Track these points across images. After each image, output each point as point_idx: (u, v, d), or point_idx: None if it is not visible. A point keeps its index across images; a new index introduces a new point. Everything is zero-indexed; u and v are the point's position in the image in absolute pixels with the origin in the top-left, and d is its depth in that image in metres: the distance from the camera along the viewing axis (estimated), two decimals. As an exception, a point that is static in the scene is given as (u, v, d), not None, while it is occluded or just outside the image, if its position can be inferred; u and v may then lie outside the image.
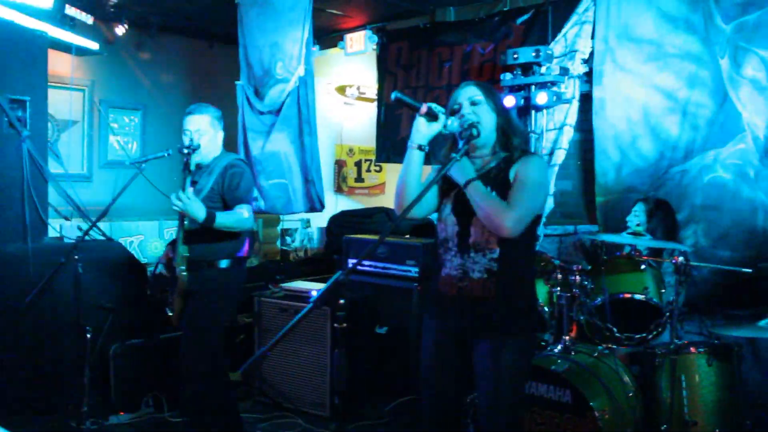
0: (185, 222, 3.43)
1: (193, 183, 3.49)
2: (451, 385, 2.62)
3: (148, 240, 6.48)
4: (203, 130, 3.55)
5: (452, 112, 2.49)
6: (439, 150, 2.57)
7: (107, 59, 6.22)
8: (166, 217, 6.54)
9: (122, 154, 6.26)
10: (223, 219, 3.39)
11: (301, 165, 5.39)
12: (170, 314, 3.60)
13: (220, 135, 3.65)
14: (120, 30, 6.03)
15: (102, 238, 4.89)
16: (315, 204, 5.35)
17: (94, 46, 5.23)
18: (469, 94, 2.51)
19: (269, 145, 5.47)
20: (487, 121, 2.48)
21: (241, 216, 3.45)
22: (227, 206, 3.50)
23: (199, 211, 3.27)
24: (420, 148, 2.43)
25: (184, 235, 3.43)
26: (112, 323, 4.22)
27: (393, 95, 2.37)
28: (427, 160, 2.49)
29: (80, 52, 5.38)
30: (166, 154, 3.73)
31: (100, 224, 5.03)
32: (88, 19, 5.17)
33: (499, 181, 2.45)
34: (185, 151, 3.39)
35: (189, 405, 3.67)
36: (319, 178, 5.37)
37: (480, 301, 2.43)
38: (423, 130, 2.41)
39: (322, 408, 4.27)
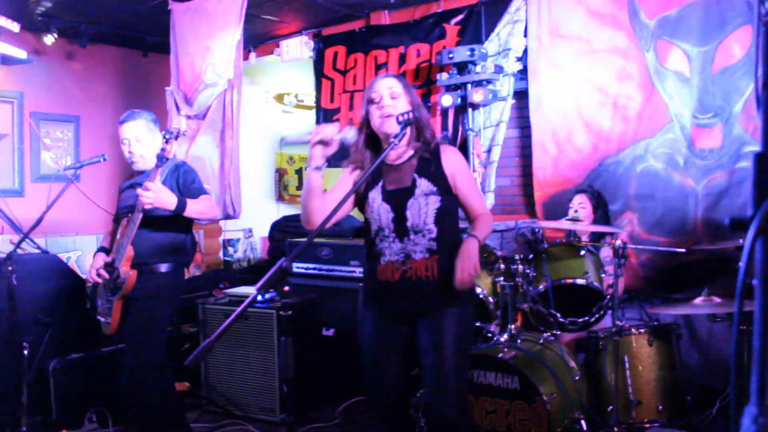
0: (138, 219, 3.34)
1: (135, 185, 3.43)
2: (395, 371, 2.71)
3: (85, 255, 6.30)
4: (141, 135, 3.49)
5: (370, 101, 2.67)
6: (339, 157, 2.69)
7: (37, 70, 6.04)
8: (104, 231, 6.36)
9: (55, 167, 6.08)
10: (194, 205, 3.36)
11: (220, 170, 5.33)
12: (102, 321, 3.51)
13: (158, 137, 3.59)
14: (49, 39, 5.85)
15: (36, 250, 4.73)
16: (229, 211, 5.29)
17: (21, 54, 5.06)
18: (388, 85, 2.66)
19: (194, 149, 5.39)
20: (416, 110, 2.60)
21: (210, 203, 3.49)
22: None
23: (170, 198, 3.22)
24: (317, 168, 2.53)
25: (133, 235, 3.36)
26: (51, 338, 4.09)
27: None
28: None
29: (6, 61, 5.21)
30: (101, 159, 3.65)
31: (36, 240, 4.88)
32: (15, 27, 5.01)
33: (438, 175, 2.63)
34: (166, 137, 3.31)
35: (135, 418, 3.57)
36: (237, 185, 5.30)
37: (423, 281, 2.58)
38: (319, 154, 2.50)
39: (272, 413, 4.22)
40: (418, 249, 2.59)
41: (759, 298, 0.70)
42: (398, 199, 2.62)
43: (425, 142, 2.67)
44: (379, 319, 2.71)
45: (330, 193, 2.73)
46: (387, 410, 2.76)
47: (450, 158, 2.67)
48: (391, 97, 2.64)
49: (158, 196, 3.18)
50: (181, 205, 3.27)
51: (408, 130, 2.57)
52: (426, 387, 2.62)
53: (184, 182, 3.48)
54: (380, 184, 2.67)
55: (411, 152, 2.69)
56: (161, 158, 3.23)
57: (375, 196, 2.66)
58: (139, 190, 3.19)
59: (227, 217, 5.33)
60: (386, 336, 2.71)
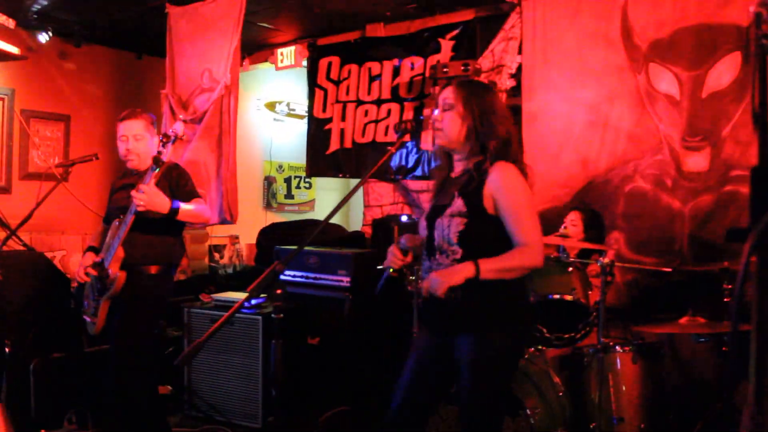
0: (130, 221, 3.32)
1: (127, 185, 3.43)
2: (421, 390, 2.62)
3: (71, 255, 6.26)
4: (139, 134, 3.50)
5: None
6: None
7: (29, 67, 6.02)
8: (90, 231, 6.33)
9: (44, 165, 6.04)
10: (188, 209, 3.37)
11: (217, 176, 5.34)
12: (88, 321, 3.49)
13: (155, 140, 3.59)
14: (43, 38, 5.84)
15: (22, 248, 4.70)
16: (226, 216, 5.28)
17: (14, 50, 5.04)
18: (444, 95, 2.58)
19: (189, 153, 5.39)
20: (452, 126, 2.52)
21: (203, 206, 3.49)
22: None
23: (163, 202, 3.22)
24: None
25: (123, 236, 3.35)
26: (33, 336, 4.05)
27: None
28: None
29: (-1, 57, 5.21)
30: (93, 158, 3.65)
31: (21, 237, 4.84)
32: (10, 24, 5.00)
33: (475, 196, 2.48)
34: (164, 140, 3.30)
35: (117, 419, 3.55)
36: (234, 190, 5.31)
37: (446, 302, 2.42)
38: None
39: (254, 419, 4.21)
40: (441, 269, 2.48)
41: (756, 306, 0.72)
42: (433, 217, 2.57)
43: (486, 155, 2.50)
44: (421, 338, 2.71)
45: None
46: (396, 414, 2.64)
47: (495, 177, 2.45)
48: (442, 109, 2.57)
49: (152, 199, 3.18)
50: (175, 209, 3.26)
51: (465, 141, 2.52)
52: (460, 407, 2.60)
53: (177, 185, 3.49)
54: (434, 197, 2.66)
55: (469, 166, 2.56)
56: (157, 161, 3.23)
57: (425, 209, 2.66)
58: (133, 192, 3.18)
59: (224, 222, 5.33)
60: (422, 356, 2.64)
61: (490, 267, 2.38)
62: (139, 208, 3.19)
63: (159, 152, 3.26)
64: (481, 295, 2.44)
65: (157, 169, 3.26)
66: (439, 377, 2.64)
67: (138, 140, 3.50)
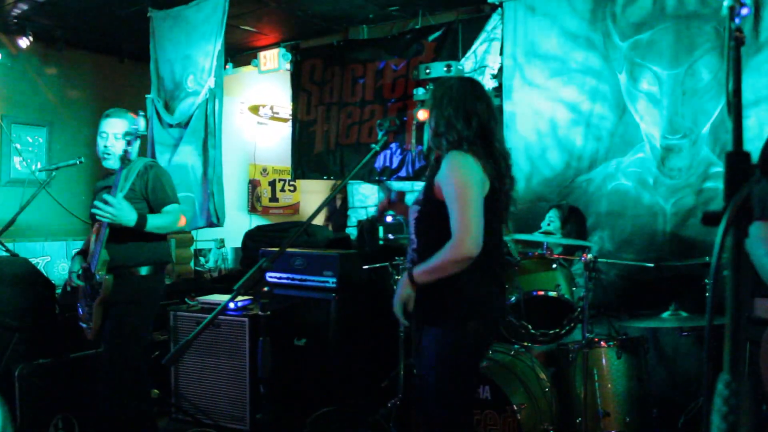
0: (106, 225, 3.30)
1: (106, 188, 3.41)
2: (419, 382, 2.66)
3: (54, 261, 6.22)
4: (120, 134, 3.46)
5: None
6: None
7: (10, 73, 5.99)
8: (73, 237, 6.31)
9: (26, 172, 6.01)
10: (156, 221, 3.31)
11: (204, 178, 5.33)
12: (84, 327, 3.47)
13: (136, 141, 3.56)
14: (24, 43, 5.81)
15: (5, 254, 4.66)
16: (213, 219, 5.28)
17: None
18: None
19: (176, 158, 5.39)
20: (437, 115, 2.57)
21: (173, 216, 3.40)
22: (152, 208, 3.41)
23: (130, 215, 3.17)
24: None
25: (108, 239, 3.33)
26: (18, 342, 4.02)
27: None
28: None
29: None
30: (77, 162, 3.63)
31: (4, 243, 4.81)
32: (-10, 29, 4.98)
33: (427, 187, 2.55)
34: (127, 138, 3.28)
35: (106, 423, 3.52)
36: (220, 192, 5.30)
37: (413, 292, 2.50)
38: None
39: (241, 422, 4.20)
40: (408, 258, 2.61)
41: (731, 280, 0.75)
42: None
43: (440, 151, 2.57)
44: None
45: None
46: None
47: (442, 166, 2.48)
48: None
49: (118, 213, 3.14)
50: (141, 222, 3.22)
51: (429, 136, 2.59)
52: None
53: (153, 186, 3.43)
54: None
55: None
56: (123, 159, 3.22)
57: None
58: (98, 206, 3.15)
59: (211, 225, 5.32)
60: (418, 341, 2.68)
61: (421, 271, 2.43)
62: (105, 220, 3.17)
63: (125, 151, 3.25)
64: (437, 286, 2.45)
65: (124, 170, 3.25)
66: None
67: (117, 139, 3.45)
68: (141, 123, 3.41)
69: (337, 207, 7.03)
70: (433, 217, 2.49)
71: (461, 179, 2.40)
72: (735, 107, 0.94)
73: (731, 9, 1.14)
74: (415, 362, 2.62)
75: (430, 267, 2.40)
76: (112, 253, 3.32)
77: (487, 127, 2.53)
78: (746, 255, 0.77)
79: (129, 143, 3.27)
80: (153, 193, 3.41)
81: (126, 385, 3.35)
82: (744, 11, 1.18)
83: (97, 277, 3.29)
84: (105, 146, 3.45)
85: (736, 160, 0.84)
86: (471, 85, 2.64)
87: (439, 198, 2.46)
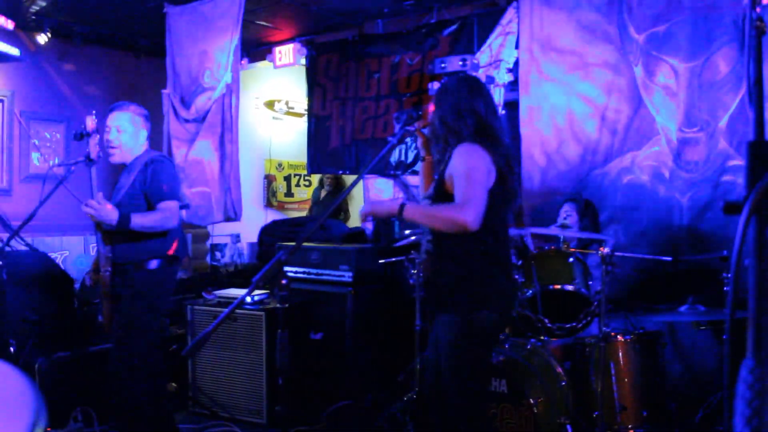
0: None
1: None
2: (433, 368, 2.67)
3: (72, 256, 6.28)
4: (123, 126, 3.46)
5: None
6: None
7: (28, 69, 6.05)
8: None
9: (45, 167, 6.06)
10: (141, 220, 3.26)
11: (221, 173, 5.36)
12: (101, 320, 3.50)
13: (143, 134, 3.53)
14: (42, 39, 5.86)
15: (25, 248, 4.72)
16: (230, 213, 5.31)
17: (14, 51, 5.07)
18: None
19: (193, 152, 5.42)
20: (435, 118, 2.65)
21: (163, 214, 3.32)
22: (150, 204, 3.39)
23: (110, 215, 3.15)
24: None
25: (104, 236, 3.34)
26: (38, 336, 4.07)
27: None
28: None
29: (-1, 58, 5.23)
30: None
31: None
32: (9, 25, 5.02)
33: (438, 180, 2.59)
34: (77, 138, 3.30)
35: (122, 417, 3.54)
36: (237, 187, 5.33)
37: (426, 280, 2.65)
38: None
39: (258, 415, 4.24)
40: (424, 248, 2.64)
41: (753, 267, 0.75)
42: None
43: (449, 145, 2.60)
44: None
45: None
46: (429, 401, 2.75)
47: (452, 158, 2.53)
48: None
49: (96, 214, 3.15)
50: (123, 223, 3.20)
51: (440, 132, 2.63)
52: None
53: (150, 182, 3.37)
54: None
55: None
56: (86, 157, 3.25)
57: None
58: (83, 205, 3.17)
59: (228, 219, 5.36)
60: (430, 331, 2.73)
61: (416, 209, 2.50)
62: (93, 219, 3.20)
63: (87, 150, 3.28)
64: (451, 275, 2.52)
65: (91, 168, 3.28)
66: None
67: (120, 132, 3.45)
68: (89, 122, 3.41)
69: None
70: None
71: (468, 161, 2.47)
72: (756, 96, 0.94)
73: (752, -1, 1.14)
74: (429, 349, 2.64)
75: (426, 211, 2.53)
76: (119, 250, 3.34)
77: (486, 123, 2.59)
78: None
79: (88, 143, 3.31)
80: (150, 189, 3.37)
81: (135, 378, 3.36)
82: (765, 1, 1.17)
83: (101, 271, 3.33)
84: (107, 140, 3.46)
85: (759, 149, 0.84)
86: (466, 83, 2.68)
87: (450, 192, 2.49)
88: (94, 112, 3.45)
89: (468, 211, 2.34)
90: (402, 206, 2.44)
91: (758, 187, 0.77)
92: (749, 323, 0.72)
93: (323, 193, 7.46)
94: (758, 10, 1.16)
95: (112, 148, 3.46)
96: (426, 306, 2.68)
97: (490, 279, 2.54)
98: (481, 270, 2.52)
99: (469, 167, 2.44)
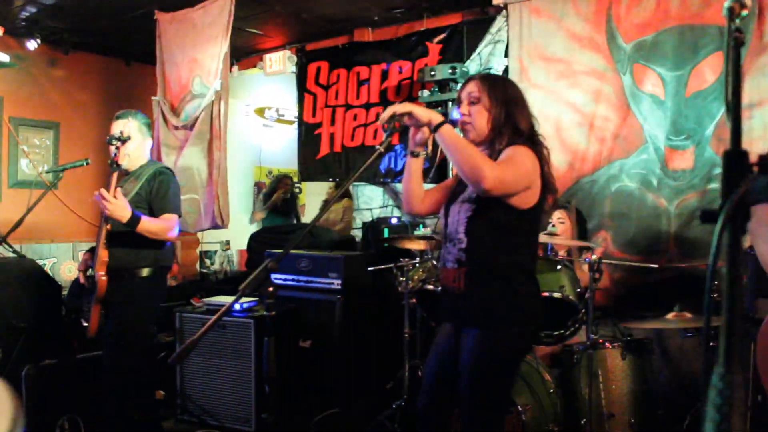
0: (109, 225, 3.34)
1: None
2: (439, 380, 2.58)
3: (61, 263, 6.25)
4: (130, 135, 3.50)
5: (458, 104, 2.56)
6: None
7: (18, 75, 6.03)
8: (81, 239, 6.35)
9: (33, 174, 6.04)
10: (148, 224, 3.32)
11: (209, 180, 5.36)
12: (85, 324, 3.50)
13: (148, 142, 3.61)
14: (32, 45, 5.85)
15: (12, 255, 4.70)
16: (218, 221, 5.31)
17: (4, 58, 5.06)
18: (468, 90, 2.53)
19: (182, 159, 5.42)
20: (478, 119, 2.48)
21: (167, 225, 3.41)
22: (153, 214, 3.44)
23: (123, 211, 3.20)
24: (412, 154, 2.51)
25: (105, 237, 3.35)
26: (25, 343, 4.05)
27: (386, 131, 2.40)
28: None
29: (-13, 64, 5.22)
30: (84, 163, 3.66)
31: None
32: (-1, 31, 5.02)
33: None
34: (114, 142, 3.33)
35: (111, 424, 3.54)
36: (225, 195, 5.33)
37: (453, 292, 2.46)
38: (415, 139, 2.48)
39: (247, 423, 4.23)
40: (449, 258, 2.48)
41: (726, 275, 0.76)
42: (449, 203, 2.56)
43: (497, 146, 2.48)
44: (441, 327, 2.67)
45: (429, 188, 2.68)
46: (422, 414, 2.62)
47: (504, 153, 2.40)
48: (468, 103, 2.51)
49: (111, 207, 3.17)
50: (134, 223, 3.25)
51: (489, 133, 2.47)
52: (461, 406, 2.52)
53: (157, 193, 3.46)
54: (452, 188, 2.62)
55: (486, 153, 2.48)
56: (112, 164, 3.27)
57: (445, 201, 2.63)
58: (96, 193, 3.19)
59: (216, 227, 5.35)
60: (440, 346, 2.61)
61: (454, 133, 2.33)
62: (105, 212, 3.20)
63: (114, 155, 3.30)
64: (491, 288, 2.41)
65: (114, 173, 3.29)
66: (450, 365, 2.55)
67: (126, 140, 3.49)
68: (115, 127, 3.45)
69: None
70: (488, 215, 2.42)
71: (525, 157, 2.39)
72: (734, 107, 0.95)
73: (731, 10, 1.16)
74: (433, 357, 2.56)
75: (463, 142, 2.32)
76: (114, 255, 3.35)
77: (535, 131, 2.56)
78: (742, 251, 0.79)
79: (117, 148, 3.33)
80: (155, 199, 3.46)
81: (126, 385, 3.37)
82: (744, 12, 1.19)
83: (95, 276, 3.33)
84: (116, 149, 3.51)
85: (735, 158, 0.86)
86: (517, 87, 2.65)
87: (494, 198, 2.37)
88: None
89: (496, 173, 2.24)
90: (443, 122, 2.30)
91: (733, 196, 0.79)
92: (721, 330, 0.73)
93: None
94: (737, 21, 1.18)
95: (119, 156, 3.49)
96: (450, 317, 2.57)
97: (529, 298, 2.49)
98: (521, 288, 2.45)
99: (522, 160, 2.37)
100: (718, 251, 0.79)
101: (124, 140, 3.39)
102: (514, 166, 2.33)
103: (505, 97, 2.51)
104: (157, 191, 3.46)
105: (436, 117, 2.34)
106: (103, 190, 3.18)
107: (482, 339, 2.40)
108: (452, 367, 2.51)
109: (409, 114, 2.35)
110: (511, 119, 2.48)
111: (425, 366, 2.65)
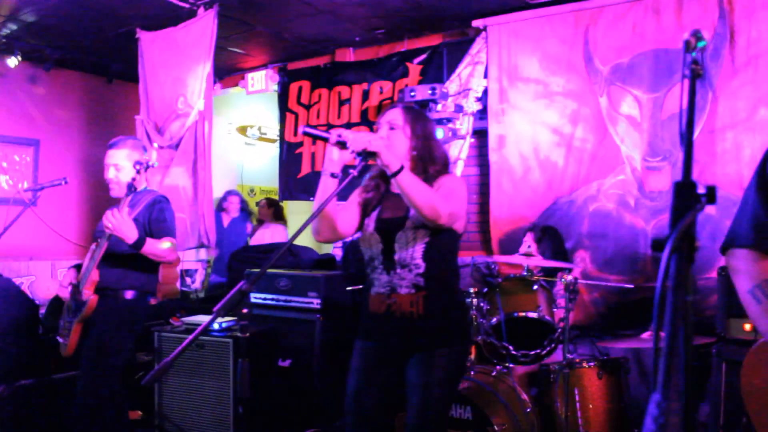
0: (105, 245, 3.34)
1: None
2: (376, 408, 2.58)
3: (39, 281, 6.20)
4: (121, 163, 3.53)
5: (373, 130, 2.61)
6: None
7: (-2, 92, 6.02)
8: (60, 258, 6.30)
9: (11, 191, 6.00)
10: (152, 246, 3.35)
11: (194, 199, 5.36)
12: (61, 342, 3.48)
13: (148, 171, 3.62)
14: (12, 62, 5.84)
15: (-12, 274, 4.66)
16: (204, 240, 5.31)
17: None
18: (389, 117, 2.59)
19: (168, 179, 5.41)
20: (399, 146, 2.52)
21: (167, 249, 3.45)
22: (152, 238, 3.47)
23: (131, 232, 3.22)
24: (333, 175, 2.47)
25: (102, 257, 3.36)
26: (1, 363, 4.01)
27: (302, 130, 2.44)
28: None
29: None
30: (62, 182, 3.65)
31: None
32: (-22, 49, 5.01)
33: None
34: (137, 167, 3.35)
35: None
36: (210, 214, 5.34)
37: (408, 316, 2.48)
38: (335, 158, 2.44)
39: (225, 443, 4.19)
40: (403, 284, 2.49)
41: (670, 303, 0.79)
42: (389, 230, 2.53)
43: (429, 175, 2.54)
44: (369, 352, 2.63)
45: (341, 208, 2.64)
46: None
47: (443, 183, 2.52)
48: (389, 128, 2.57)
49: (120, 226, 3.19)
50: (140, 242, 3.28)
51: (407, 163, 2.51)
52: (408, 425, 2.50)
53: (156, 218, 3.50)
54: (377, 211, 2.60)
55: None
56: (130, 187, 3.27)
57: (369, 223, 2.59)
58: (106, 213, 3.22)
59: (201, 246, 5.35)
60: (373, 372, 2.60)
61: (412, 176, 2.35)
62: (107, 230, 3.22)
63: (133, 179, 3.30)
64: (449, 309, 2.52)
65: (130, 196, 3.30)
66: (389, 391, 2.60)
67: (119, 170, 3.53)
68: (152, 155, 3.50)
69: None
70: (444, 243, 2.51)
71: (460, 187, 2.58)
72: (687, 139, 0.98)
73: (687, 43, 1.19)
74: (415, 379, 2.50)
75: (419, 185, 2.34)
76: (102, 274, 3.36)
77: (448, 158, 2.72)
78: (689, 279, 0.82)
79: (138, 172, 3.34)
80: (156, 224, 3.49)
81: (101, 405, 3.35)
82: (701, 45, 1.22)
83: (83, 295, 3.32)
84: (108, 178, 3.53)
85: (684, 189, 0.89)
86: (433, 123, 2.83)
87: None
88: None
89: (449, 210, 2.38)
90: (403, 168, 2.32)
91: (679, 225, 0.81)
92: (661, 357, 0.75)
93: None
94: (695, 54, 1.21)
95: (112, 184, 3.54)
96: (398, 342, 2.55)
97: (462, 318, 2.65)
98: (463, 304, 2.66)
99: (457, 188, 2.54)
100: (666, 279, 0.81)
101: (151, 165, 3.42)
102: (457, 198, 2.49)
103: (424, 131, 2.60)
104: (157, 217, 3.51)
105: (396, 163, 2.34)
106: (116, 210, 3.21)
107: (450, 356, 2.48)
108: (392, 393, 2.60)
109: (377, 155, 2.35)
110: (429, 150, 2.59)
111: (357, 395, 2.59)
